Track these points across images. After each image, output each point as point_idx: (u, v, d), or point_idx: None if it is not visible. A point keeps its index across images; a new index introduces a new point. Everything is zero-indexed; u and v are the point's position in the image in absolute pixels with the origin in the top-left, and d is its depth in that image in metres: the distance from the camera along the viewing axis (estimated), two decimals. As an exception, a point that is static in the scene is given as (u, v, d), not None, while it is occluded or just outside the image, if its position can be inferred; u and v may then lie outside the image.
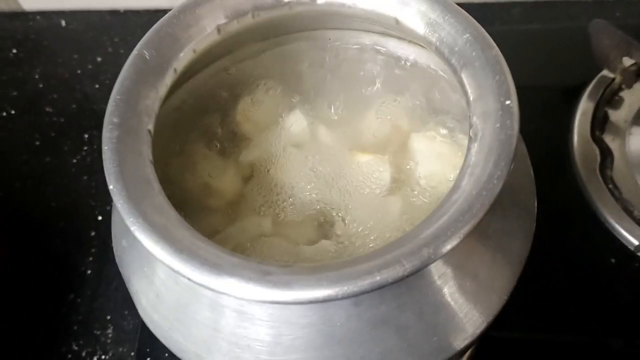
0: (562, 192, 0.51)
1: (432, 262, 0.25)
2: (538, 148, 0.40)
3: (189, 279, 0.26)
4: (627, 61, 0.54)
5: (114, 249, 0.34)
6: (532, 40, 0.64)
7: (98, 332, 0.54)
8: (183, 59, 0.34)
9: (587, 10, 0.69)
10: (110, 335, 0.54)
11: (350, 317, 0.28)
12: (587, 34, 0.57)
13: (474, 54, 0.31)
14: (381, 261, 0.25)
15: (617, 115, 0.54)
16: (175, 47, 0.33)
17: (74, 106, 0.68)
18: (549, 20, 0.67)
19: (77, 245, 0.59)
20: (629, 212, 0.48)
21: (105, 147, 0.29)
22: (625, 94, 0.55)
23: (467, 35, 0.31)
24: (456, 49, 0.31)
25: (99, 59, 0.71)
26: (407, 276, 0.25)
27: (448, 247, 0.25)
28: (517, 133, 0.28)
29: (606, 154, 0.52)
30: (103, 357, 0.54)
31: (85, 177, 0.64)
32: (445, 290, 0.29)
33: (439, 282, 0.29)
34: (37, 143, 0.66)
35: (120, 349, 0.54)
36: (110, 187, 0.28)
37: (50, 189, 0.62)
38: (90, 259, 0.58)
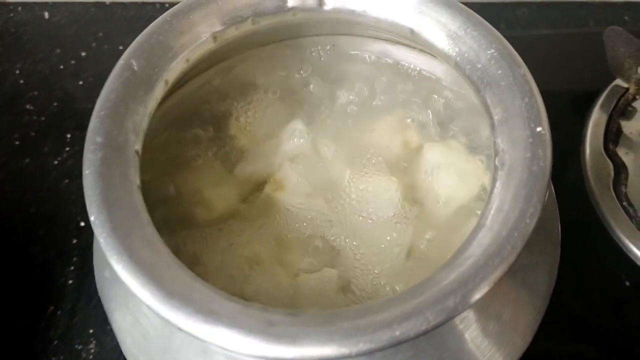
0: (573, 209, 0.48)
1: (459, 314, 0.22)
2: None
3: (179, 329, 0.23)
4: (643, 71, 0.52)
5: (96, 278, 0.31)
6: (539, 45, 0.61)
7: (79, 347, 0.52)
8: (175, 69, 0.31)
9: (595, 12, 0.66)
10: (92, 351, 0.52)
11: (362, 368, 0.25)
12: (598, 40, 0.54)
13: (499, 72, 0.28)
14: (400, 312, 0.22)
15: (631, 127, 0.52)
16: (167, 56, 0.30)
17: (55, 104, 0.65)
18: (556, 23, 0.64)
19: (57, 254, 0.56)
20: (643, 231, 0.46)
21: (87, 171, 0.26)
22: (639, 104, 0.52)
23: (492, 50, 0.28)
24: (479, 65, 0.28)
25: (82, 55, 0.68)
26: (431, 330, 0.22)
27: (476, 296, 0.22)
28: (549, 165, 0.25)
29: (620, 169, 0.49)
30: (85, 374, 0.51)
31: (67, 181, 0.60)
32: (467, 336, 0.26)
33: (460, 327, 0.26)
34: (17, 143, 0.63)
35: None
36: (92, 218, 0.25)
37: (29, 193, 0.59)
38: (72, 268, 0.55)
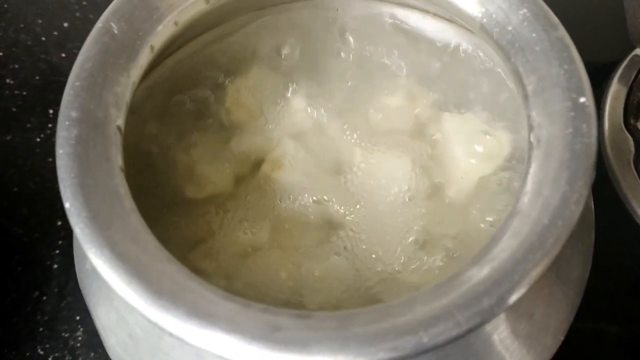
0: (593, 188, 0.46)
1: (495, 317, 0.19)
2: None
3: (170, 334, 0.19)
4: (665, 40, 0.49)
5: (77, 270, 0.28)
6: (557, 12, 0.58)
7: (66, 335, 0.50)
8: (162, 33, 0.27)
9: (615, -23, 0.63)
10: (80, 338, 0.50)
11: (379, 375, 0.22)
12: (618, 6, 0.51)
13: (533, 35, 0.24)
14: (427, 314, 0.19)
15: (652, 101, 0.49)
16: (152, 18, 0.27)
17: (37, 78, 0.62)
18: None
19: (42, 235, 0.54)
20: (666, 212, 0.44)
21: (61, 151, 0.23)
22: (661, 76, 0.50)
23: (524, 10, 0.25)
24: (509, 28, 0.25)
25: (65, 25, 0.65)
26: (463, 336, 0.19)
27: (515, 296, 0.19)
28: (595, 142, 0.22)
29: (642, 145, 0.47)
30: (72, 362, 0.49)
31: (51, 159, 0.58)
32: (495, 337, 0.23)
33: (488, 328, 0.23)
34: (-3, 119, 0.60)
35: (92, 354, 0.49)
36: (67, 205, 0.22)
37: (11, 171, 0.57)
38: (57, 251, 0.53)
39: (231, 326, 0.19)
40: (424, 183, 0.33)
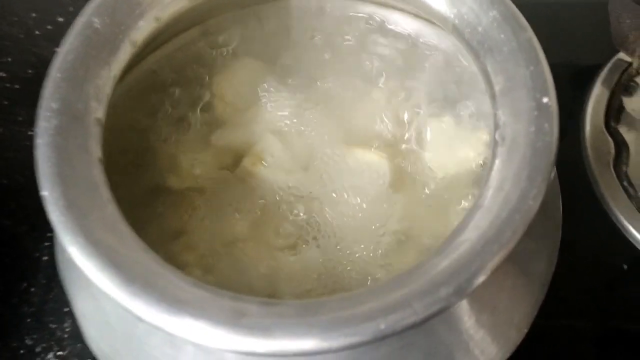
0: (571, 188, 0.46)
1: (452, 306, 0.20)
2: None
3: (140, 319, 0.20)
4: (648, 44, 0.49)
5: (56, 260, 0.29)
6: (539, 14, 0.57)
7: (54, 326, 0.50)
8: (144, 29, 0.28)
9: (603, -19, 0.63)
10: (67, 330, 0.49)
11: (344, 362, 0.23)
12: (603, 10, 0.52)
13: (502, 36, 0.25)
14: (386, 302, 0.20)
15: (633, 104, 0.50)
16: (134, 13, 0.27)
17: (30, 71, 0.62)
18: (560, -7, 0.61)
19: (30, 228, 0.54)
20: (643, 212, 0.44)
21: (40, 141, 0.24)
22: (643, 80, 0.50)
23: (494, 12, 0.26)
24: (479, 29, 0.26)
25: (59, 19, 0.65)
26: (420, 324, 0.19)
27: (472, 285, 0.20)
28: (556, 140, 0.22)
29: (621, 147, 0.47)
30: (59, 353, 0.49)
31: (41, 152, 0.58)
32: (460, 327, 0.24)
33: (452, 318, 0.24)
34: (-12, 111, 0.60)
35: (79, 345, 0.49)
36: (44, 193, 0.22)
37: (1, 164, 0.57)
38: (46, 243, 0.53)
39: (199, 312, 0.20)
40: (400, 181, 0.34)
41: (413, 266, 0.21)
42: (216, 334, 0.20)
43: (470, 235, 0.21)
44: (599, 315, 0.44)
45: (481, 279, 0.20)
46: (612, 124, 0.49)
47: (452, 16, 0.27)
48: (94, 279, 0.21)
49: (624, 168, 0.46)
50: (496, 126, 0.24)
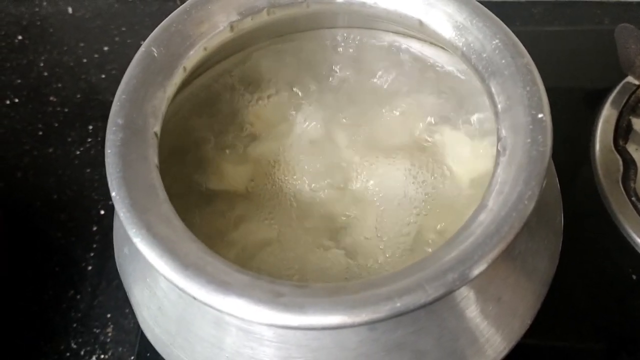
0: (582, 204, 0.49)
1: (457, 289, 0.23)
2: (557, 155, 0.38)
3: (194, 298, 0.24)
4: (654, 68, 0.52)
5: (115, 255, 0.33)
6: (554, 42, 0.61)
7: (97, 331, 0.53)
8: (193, 57, 0.32)
9: (610, 11, 0.66)
10: (110, 335, 0.53)
11: (364, 342, 0.26)
12: (612, 37, 0.54)
13: (503, 61, 0.29)
14: (402, 285, 0.23)
15: (641, 124, 0.52)
16: (186, 44, 0.31)
17: (78, 96, 0.66)
18: (572, 21, 0.65)
19: (78, 239, 0.57)
20: (652, 227, 0.46)
21: (109, 151, 0.28)
22: (650, 101, 0.53)
23: (497, 41, 0.29)
24: (484, 55, 0.29)
25: (105, 48, 0.69)
26: (430, 303, 0.23)
27: (475, 272, 0.23)
28: (549, 150, 0.26)
29: (629, 165, 0.49)
30: (102, 356, 0.52)
31: (89, 170, 0.62)
32: (467, 315, 0.27)
33: (460, 306, 0.27)
34: (40, 133, 0.65)
35: (120, 349, 0.52)
36: (113, 194, 0.26)
37: (52, 180, 0.61)
38: (92, 254, 0.56)
39: (242, 292, 0.24)
40: (420, 190, 0.37)
41: (425, 256, 0.25)
42: (257, 310, 0.23)
43: (475, 230, 0.25)
44: (610, 327, 0.46)
45: (482, 266, 0.23)
46: (621, 143, 0.51)
47: (460, 44, 0.30)
48: (155, 265, 0.25)
49: (632, 184, 0.48)
50: (499, 139, 0.27)
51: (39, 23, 0.73)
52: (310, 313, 0.23)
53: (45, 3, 0.74)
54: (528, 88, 0.27)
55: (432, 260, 0.24)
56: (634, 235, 0.46)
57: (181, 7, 0.32)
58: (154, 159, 0.28)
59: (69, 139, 0.63)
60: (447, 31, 0.31)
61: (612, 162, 0.50)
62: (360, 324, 0.23)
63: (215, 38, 0.33)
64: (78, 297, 0.54)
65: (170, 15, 0.32)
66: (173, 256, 0.25)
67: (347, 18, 0.37)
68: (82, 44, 0.70)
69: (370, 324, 0.23)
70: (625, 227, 0.47)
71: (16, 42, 0.71)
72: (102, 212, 0.59)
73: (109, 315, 0.53)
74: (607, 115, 0.53)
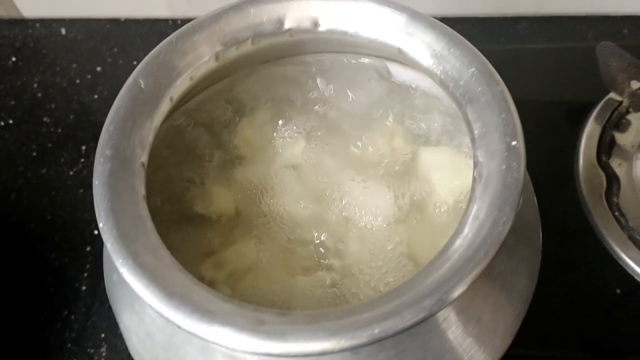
0: (565, 219, 0.49)
1: (435, 314, 0.24)
2: (541, 171, 0.38)
3: (178, 327, 0.25)
4: (635, 84, 0.53)
5: (105, 281, 0.34)
6: (538, 58, 0.62)
7: (91, 351, 0.53)
8: (180, 86, 0.33)
9: (594, 26, 0.67)
10: (103, 354, 0.53)
11: (348, 365, 0.27)
12: (595, 53, 0.55)
13: (479, 89, 0.30)
14: (380, 312, 0.24)
15: (624, 139, 0.52)
16: (172, 75, 0.32)
17: (71, 117, 0.67)
18: (556, 37, 0.66)
19: (71, 260, 0.58)
20: (635, 241, 0.47)
21: (97, 182, 0.28)
22: (632, 117, 0.53)
23: (473, 69, 0.30)
24: (461, 82, 0.30)
25: (98, 69, 0.70)
26: (409, 328, 0.23)
27: (452, 296, 0.24)
28: (522, 176, 0.27)
29: (612, 180, 0.50)
30: (96, 376, 0.53)
31: (81, 190, 0.62)
32: (449, 335, 0.28)
33: (441, 327, 0.28)
34: (34, 154, 0.65)
35: None
36: (101, 225, 0.27)
37: (46, 201, 0.61)
38: (85, 274, 0.57)
39: (226, 320, 0.24)
40: (405, 209, 0.37)
41: (402, 282, 0.25)
42: (240, 338, 0.24)
43: (452, 256, 0.25)
44: (594, 342, 0.46)
45: (459, 291, 0.24)
46: (604, 158, 0.51)
47: (438, 72, 0.31)
48: (141, 294, 0.25)
49: (615, 199, 0.49)
50: (475, 165, 0.28)
51: (32, 45, 0.73)
52: (291, 340, 0.24)
53: (38, 25, 0.75)
54: (503, 115, 0.28)
55: (410, 286, 0.25)
56: (617, 250, 0.47)
57: (167, 38, 0.33)
58: (141, 190, 0.29)
59: (62, 160, 0.64)
60: (425, 59, 0.32)
61: (596, 177, 0.51)
62: (340, 351, 0.23)
63: (201, 68, 0.33)
64: (72, 317, 0.55)
65: (157, 47, 0.33)
66: (159, 286, 0.25)
67: (329, 45, 0.38)
68: (74, 65, 0.71)
69: (350, 350, 0.23)
70: (608, 242, 0.48)
71: (10, 64, 0.71)
72: (95, 232, 0.60)
73: (102, 336, 0.54)
74: (590, 130, 0.53)
